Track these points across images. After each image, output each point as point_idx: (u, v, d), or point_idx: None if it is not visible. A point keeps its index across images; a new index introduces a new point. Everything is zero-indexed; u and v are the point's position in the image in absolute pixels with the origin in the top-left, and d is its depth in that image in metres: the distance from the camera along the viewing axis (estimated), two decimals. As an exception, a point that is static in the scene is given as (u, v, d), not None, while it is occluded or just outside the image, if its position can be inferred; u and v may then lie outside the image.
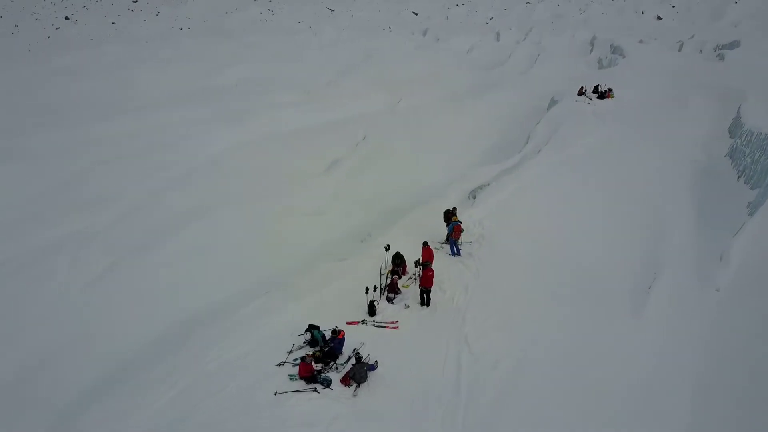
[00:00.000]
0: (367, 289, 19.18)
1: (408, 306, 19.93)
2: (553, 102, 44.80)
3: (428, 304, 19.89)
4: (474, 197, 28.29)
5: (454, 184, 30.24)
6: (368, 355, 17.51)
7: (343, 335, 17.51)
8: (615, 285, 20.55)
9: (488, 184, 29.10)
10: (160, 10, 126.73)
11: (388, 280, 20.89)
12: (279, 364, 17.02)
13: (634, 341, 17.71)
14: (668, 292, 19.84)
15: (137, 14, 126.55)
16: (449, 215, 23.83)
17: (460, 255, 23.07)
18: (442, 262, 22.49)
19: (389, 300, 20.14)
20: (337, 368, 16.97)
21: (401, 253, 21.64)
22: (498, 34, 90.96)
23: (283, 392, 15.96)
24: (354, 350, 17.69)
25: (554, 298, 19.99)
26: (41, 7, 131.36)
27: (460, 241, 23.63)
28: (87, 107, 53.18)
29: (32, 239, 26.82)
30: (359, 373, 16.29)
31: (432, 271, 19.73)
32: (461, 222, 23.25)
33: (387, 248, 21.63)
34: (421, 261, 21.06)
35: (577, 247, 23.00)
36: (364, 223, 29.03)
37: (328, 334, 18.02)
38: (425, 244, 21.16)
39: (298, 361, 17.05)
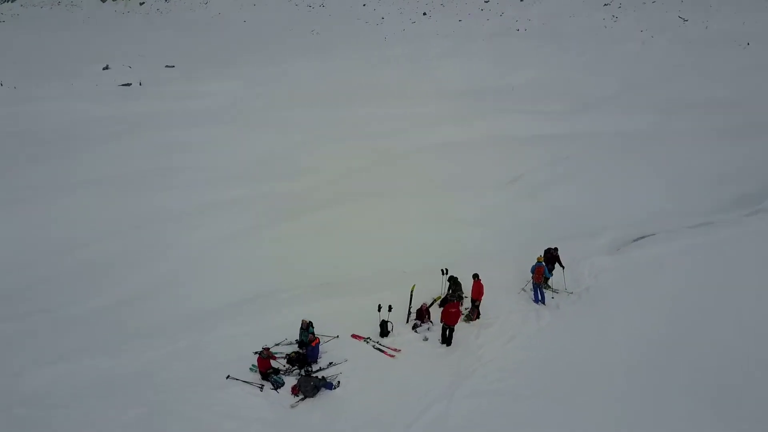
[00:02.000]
0: (379, 307, 17.73)
1: (427, 339, 17.84)
2: None
3: (448, 344, 17.46)
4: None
5: (625, 225, 25.22)
6: (340, 373, 16.42)
7: (317, 343, 16.75)
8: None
9: (654, 234, 23.55)
10: (505, 11, 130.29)
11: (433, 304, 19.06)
12: (256, 352, 17.09)
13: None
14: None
15: (484, 14, 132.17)
16: (547, 255, 20.24)
17: (543, 303, 19.44)
18: (511, 304, 19.43)
19: (414, 327, 18.27)
20: (300, 374, 16.31)
21: (459, 279, 19.30)
22: None
23: (235, 379, 16.11)
24: (330, 363, 16.78)
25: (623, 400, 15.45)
26: (407, 3, 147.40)
27: (549, 286, 20.01)
28: (371, 93, 58.65)
29: (226, 194, 31.31)
30: (305, 385, 15.49)
31: (456, 306, 17.28)
32: (544, 264, 19.47)
33: (444, 272, 19.55)
34: (470, 295, 18.56)
35: (725, 354, 16.74)
36: (519, 244, 25.89)
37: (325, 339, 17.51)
38: (476, 276, 18.47)
39: (276, 353, 17.07)
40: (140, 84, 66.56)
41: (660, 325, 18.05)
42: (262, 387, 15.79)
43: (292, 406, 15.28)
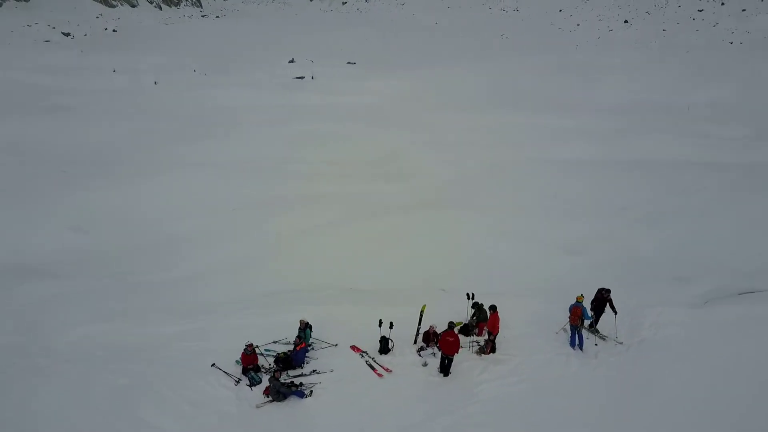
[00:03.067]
0: (380, 322, 16.67)
1: (426, 364, 16.36)
2: None
3: (446, 374, 15.87)
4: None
5: (735, 275, 21.06)
6: (319, 382, 15.72)
7: (301, 348, 16.20)
8: None
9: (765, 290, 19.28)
10: (720, 21, 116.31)
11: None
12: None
13: None
14: None
15: (695, 24, 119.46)
16: (597, 297, 17.55)
17: (581, 349, 16.86)
18: (540, 344, 17.14)
19: (420, 350, 16.91)
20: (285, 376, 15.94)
21: (483, 306, 17.47)
22: None
23: (218, 368, 16.20)
24: (313, 371, 16.16)
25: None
26: (608, 9, 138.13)
27: (597, 331, 17.40)
28: (528, 101, 56.17)
29: (323, 189, 31.86)
30: (273, 389, 15.08)
31: (455, 336, 15.60)
32: (582, 305, 16.75)
33: (470, 296, 17.80)
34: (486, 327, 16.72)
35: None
36: (599, 278, 22.25)
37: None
38: (493, 308, 16.52)
39: (270, 350, 16.96)
40: (312, 78, 70.60)
41: (717, 411, 14.43)
42: (237, 381, 15.69)
43: (258, 406, 14.94)
